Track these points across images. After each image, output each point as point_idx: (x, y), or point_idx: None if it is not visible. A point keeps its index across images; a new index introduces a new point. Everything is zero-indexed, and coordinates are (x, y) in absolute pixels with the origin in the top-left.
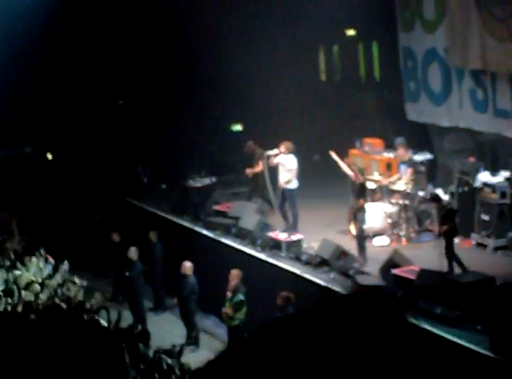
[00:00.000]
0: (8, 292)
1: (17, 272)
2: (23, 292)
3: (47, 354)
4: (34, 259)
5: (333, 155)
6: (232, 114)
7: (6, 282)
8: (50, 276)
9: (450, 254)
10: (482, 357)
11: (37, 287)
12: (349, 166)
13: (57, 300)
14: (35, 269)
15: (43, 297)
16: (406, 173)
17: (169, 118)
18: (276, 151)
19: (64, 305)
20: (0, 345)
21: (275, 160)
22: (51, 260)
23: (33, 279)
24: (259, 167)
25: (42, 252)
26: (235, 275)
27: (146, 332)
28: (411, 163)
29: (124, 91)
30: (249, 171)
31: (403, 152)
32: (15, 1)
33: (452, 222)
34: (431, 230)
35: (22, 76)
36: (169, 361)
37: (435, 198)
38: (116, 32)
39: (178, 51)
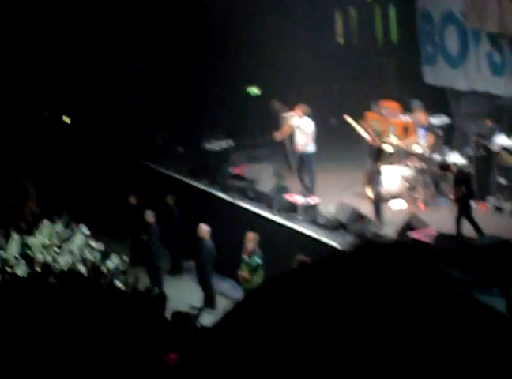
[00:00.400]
0: (24, 256)
1: (33, 236)
2: (39, 255)
3: (66, 318)
4: (47, 222)
5: (349, 119)
6: (250, 77)
7: (23, 245)
8: (68, 239)
9: (460, 218)
10: None
11: (54, 250)
12: (366, 129)
13: (75, 263)
14: (51, 232)
15: (61, 260)
16: (425, 137)
17: (186, 80)
18: (292, 113)
19: (83, 269)
20: (19, 308)
21: (291, 123)
22: (74, 224)
23: (48, 242)
24: (286, 128)
25: (64, 215)
26: (251, 238)
27: (163, 294)
28: (429, 127)
29: (141, 54)
30: (278, 135)
31: (421, 116)
32: None
33: (467, 186)
34: (448, 193)
35: (40, 40)
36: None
37: (444, 166)
38: None
39: (196, 14)
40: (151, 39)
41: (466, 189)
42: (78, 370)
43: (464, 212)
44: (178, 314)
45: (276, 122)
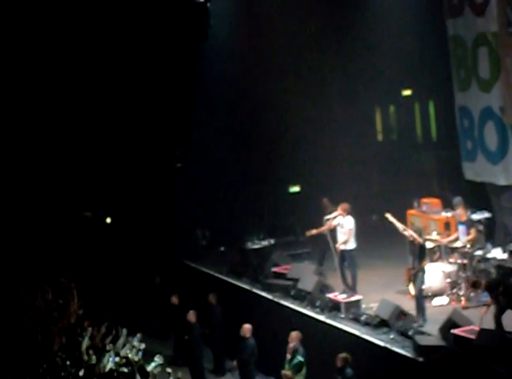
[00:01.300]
0: (70, 357)
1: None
2: (84, 357)
3: None
4: (89, 327)
5: (389, 217)
6: (290, 175)
7: (70, 347)
8: (111, 342)
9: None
10: None
11: (98, 352)
12: (406, 226)
13: (118, 364)
14: (95, 334)
15: (105, 361)
16: (467, 233)
17: (227, 179)
18: (334, 214)
19: (126, 370)
20: None
21: (333, 223)
22: (121, 330)
23: (91, 343)
24: (321, 229)
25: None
26: (294, 336)
27: None
28: (469, 223)
29: (181, 155)
30: (309, 233)
31: (462, 212)
32: None
33: (503, 291)
34: None
35: (82, 143)
36: None
37: (476, 283)
38: (173, 96)
39: (235, 114)
40: (191, 139)
41: (501, 293)
42: None
43: (496, 311)
44: None
45: (317, 220)
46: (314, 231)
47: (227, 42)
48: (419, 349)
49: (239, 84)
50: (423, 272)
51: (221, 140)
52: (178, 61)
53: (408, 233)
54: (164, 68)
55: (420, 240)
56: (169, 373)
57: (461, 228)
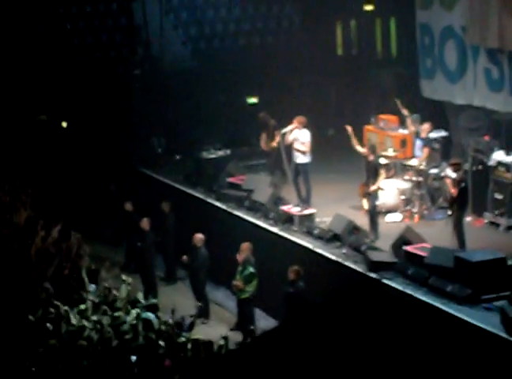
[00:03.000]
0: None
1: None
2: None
3: None
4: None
5: (349, 130)
6: (248, 86)
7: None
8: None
9: (460, 230)
10: (493, 336)
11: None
12: (363, 142)
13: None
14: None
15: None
16: (422, 150)
17: (185, 89)
18: (290, 127)
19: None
20: None
21: (290, 137)
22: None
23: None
24: (276, 140)
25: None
26: (245, 248)
27: (154, 304)
28: (427, 141)
29: (140, 61)
30: (264, 146)
31: (425, 128)
32: None
33: (464, 199)
34: (444, 207)
35: (38, 45)
36: (181, 336)
37: (457, 164)
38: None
39: (198, 22)
40: (150, 47)
41: (463, 201)
42: None
43: (458, 224)
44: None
45: (272, 132)
46: (264, 145)
47: None
48: (370, 264)
49: None
50: (378, 188)
51: (180, 49)
52: None
53: (363, 149)
54: None
55: (374, 156)
56: (123, 280)
57: (418, 145)
